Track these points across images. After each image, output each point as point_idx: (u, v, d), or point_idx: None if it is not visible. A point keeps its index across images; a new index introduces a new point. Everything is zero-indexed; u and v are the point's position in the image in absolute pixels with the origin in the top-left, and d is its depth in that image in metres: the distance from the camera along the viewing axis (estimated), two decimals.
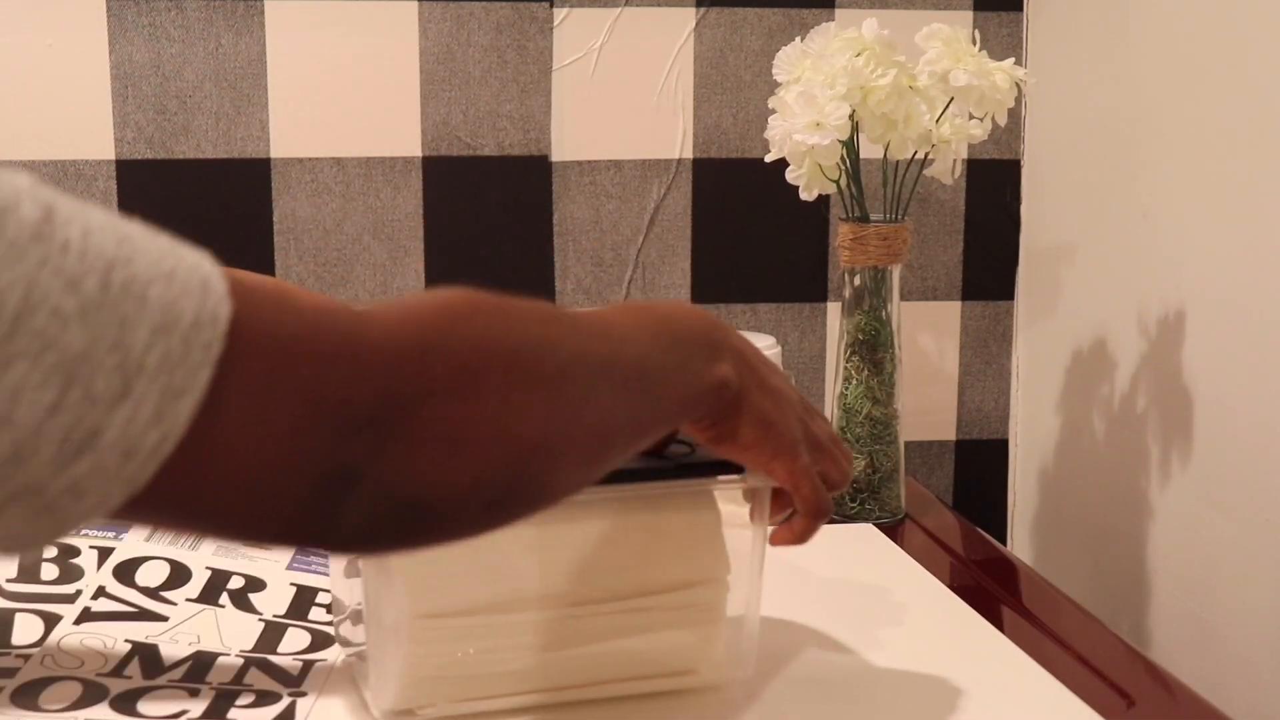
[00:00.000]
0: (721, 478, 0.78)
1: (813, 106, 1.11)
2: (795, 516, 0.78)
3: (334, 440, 0.50)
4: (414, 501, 0.54)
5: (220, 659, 0.85)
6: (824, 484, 0.76)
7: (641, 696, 0.82)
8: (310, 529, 0.53)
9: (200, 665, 0.84)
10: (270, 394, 0.49)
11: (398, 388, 0.52)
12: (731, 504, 0.81)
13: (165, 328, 0.46)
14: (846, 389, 1.21)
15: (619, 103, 1.39)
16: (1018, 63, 1.16)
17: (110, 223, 0.47)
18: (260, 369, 0.49)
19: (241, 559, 0.95)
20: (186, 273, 0.47)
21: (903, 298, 1.23)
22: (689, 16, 1.39)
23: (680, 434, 0.78)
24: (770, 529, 0.81)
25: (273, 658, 0.86)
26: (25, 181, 0.45)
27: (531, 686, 0.79)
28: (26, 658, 0.83)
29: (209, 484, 0.48)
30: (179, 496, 0.48)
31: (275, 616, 0.90)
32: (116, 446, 0.45)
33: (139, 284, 0.46)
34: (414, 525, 0.55)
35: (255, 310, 0.49)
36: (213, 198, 1.34)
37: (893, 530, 1.19)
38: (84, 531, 0.96)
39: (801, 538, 0.78)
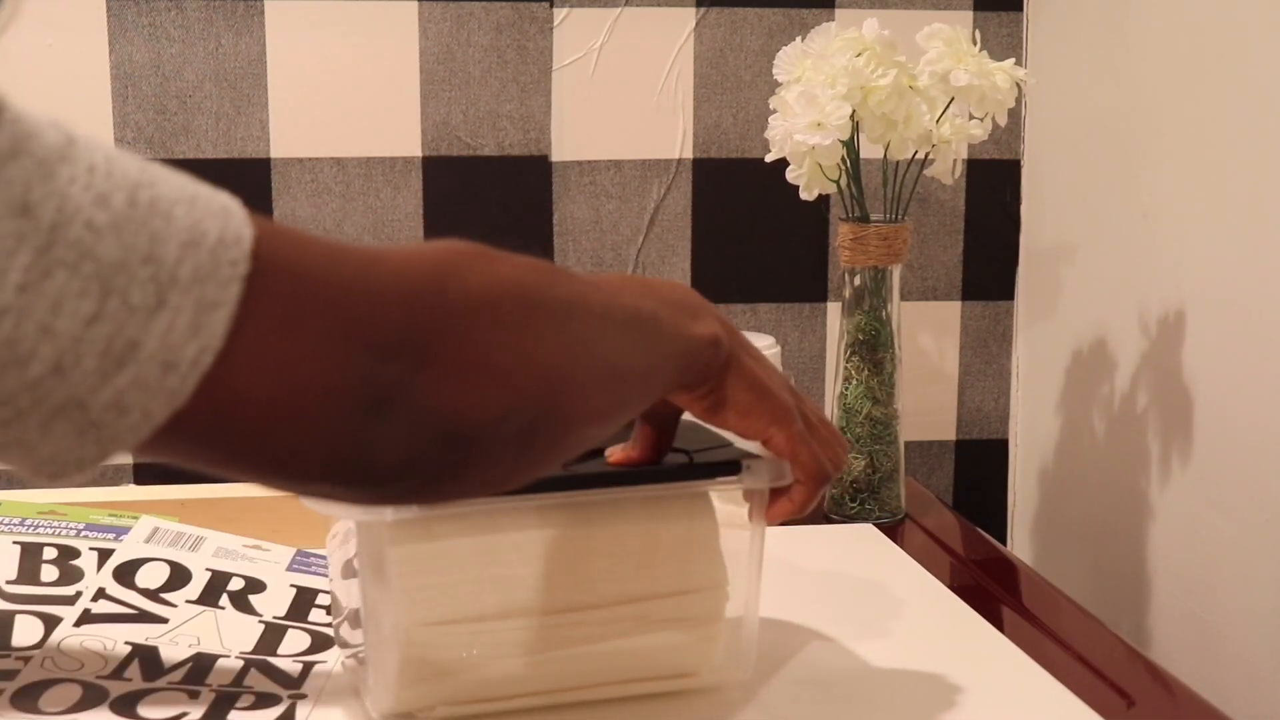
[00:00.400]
0: (719, 479, 0.78)
1: (813, 106, 1.11)
2: (793, 487, 0.77)
3: (366, 363, 0.51)
4: (449, 428, 0.54)
5: (220, 661, 0.85)
6: (824, 450, 0.76)
7: (640, 699, 0.82)
8: (351, 457, 0.53)
9: (200, 667, 0.84)
10: (299, 314, 0.50)
11: (421, 316, 0.53)
12: (730, 504, 0.81)
13: (194, 243, 0.47)
14: (846, 389, 1.21)
15: (619, 103, 1.39)
16: (1018, 63, 1.16)
17: (129, 154, 0.48)
18: (286, 290, 0.49)
19: (241, 561, 0.95)
20: (208, 198, 0.49)
21: (903, 298, 1.23)
22: (689, 16, 1.39)
23: (678, 432, 0.78)
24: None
25: (273, 659, 0.86)
26: (48, 117, 0.47)
27: (529, 690, 0.79)
28: (26, 660, 0.83)
29: (249, 402, 0.49)
30: (220, 415, 0.48)
31: (275, 618, 0.90)
32: (156, 358, 0.46)
33: (165, 202, 0.47)
34: (451, 455, 0.55)
35: (276, 237, 0.50)
36: None
37: (893, 530, 1.19)
38: (84, 533, 0.96)
39: (802, 507, 0.77)
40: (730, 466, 0.77)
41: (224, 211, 0.49)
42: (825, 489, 0.78)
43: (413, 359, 0.52)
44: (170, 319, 0.46)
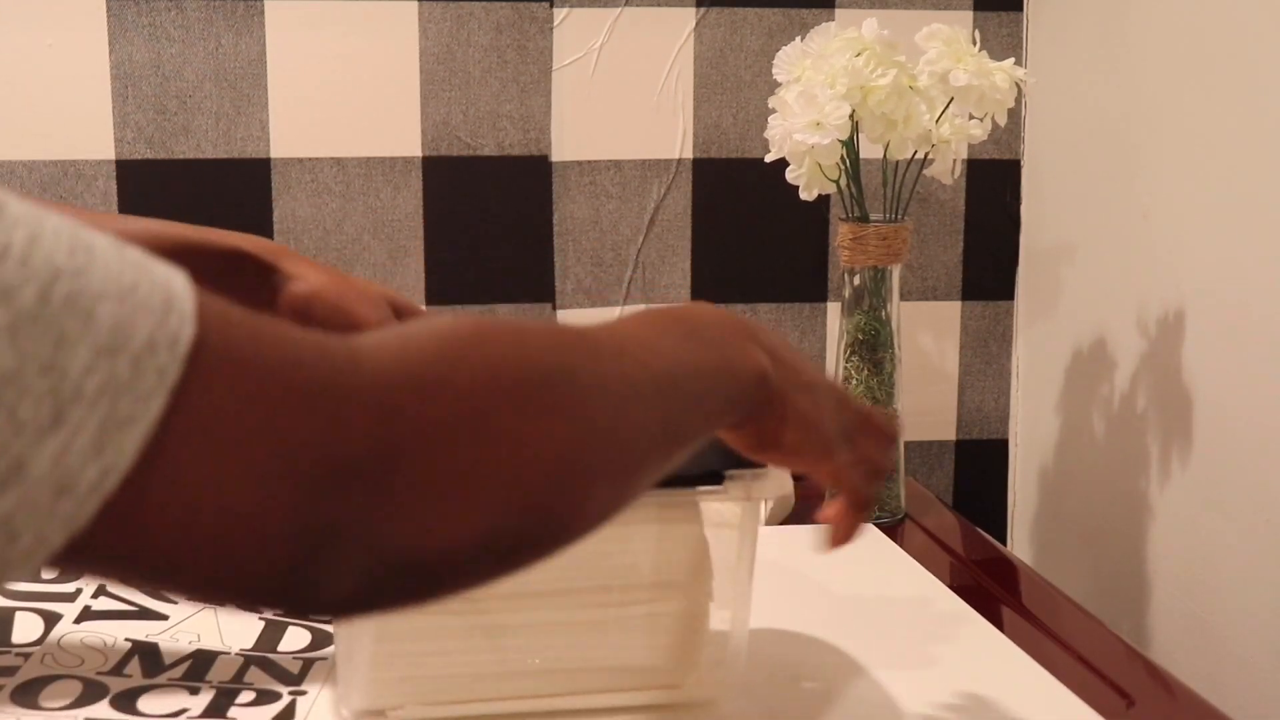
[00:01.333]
0: (701, 489, 0.76)
1: (813, 106, 1.11)
2: (837, 512, 0.73)
3: (311, 492, 0.44)
4: (411, 562, 0.47)
5: (220, 657, 0.85)
6: (869, 471, 0.72)
7: (623, 711, 0.81)
8: (287, 593, 0.46)
9: (200, 663, 0.84)
10: (236, 432, 0.43)
11: (391, 432, 0.46)
12: (720, 504, 0.80)
13: (112, 349, 0.41)
14: (846, 389, 1.21)
15: (619, 103, 1.39)
16: (1018, 63, 1.16)
17: (68, 231, 0.42)
18: (225, 402, 0.43)
19: None
20: (149, 289, 0.42)
21: (903, 298, 1.23)
22: (689, 16, 1.39)
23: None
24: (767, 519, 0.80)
25: (273, 656, 0.86)
26: None
27: (505, 692, 0.79)
28: (27, 656, 0.83)
29: (163, 532, 0.43)
30: (129, 544, 0.43)
31: (275, 614, 0.90)
32: (47, 480, 0.40)
33: (86, 298, 0.41)
34: (414, 586, 0.49)
35: (226, 335, 0.44)
36: (213, 198, 1.34)
37: (893, 530, 1.19)
38: None
39: (850, 534, 0.73)
40: (714, 476, 0.76)
41: (164, 306, 0.42)
42: (869, 512, 0.74)
43: (369, 485, 0.45)
44: (67, 438, 0.40)
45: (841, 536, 0.73)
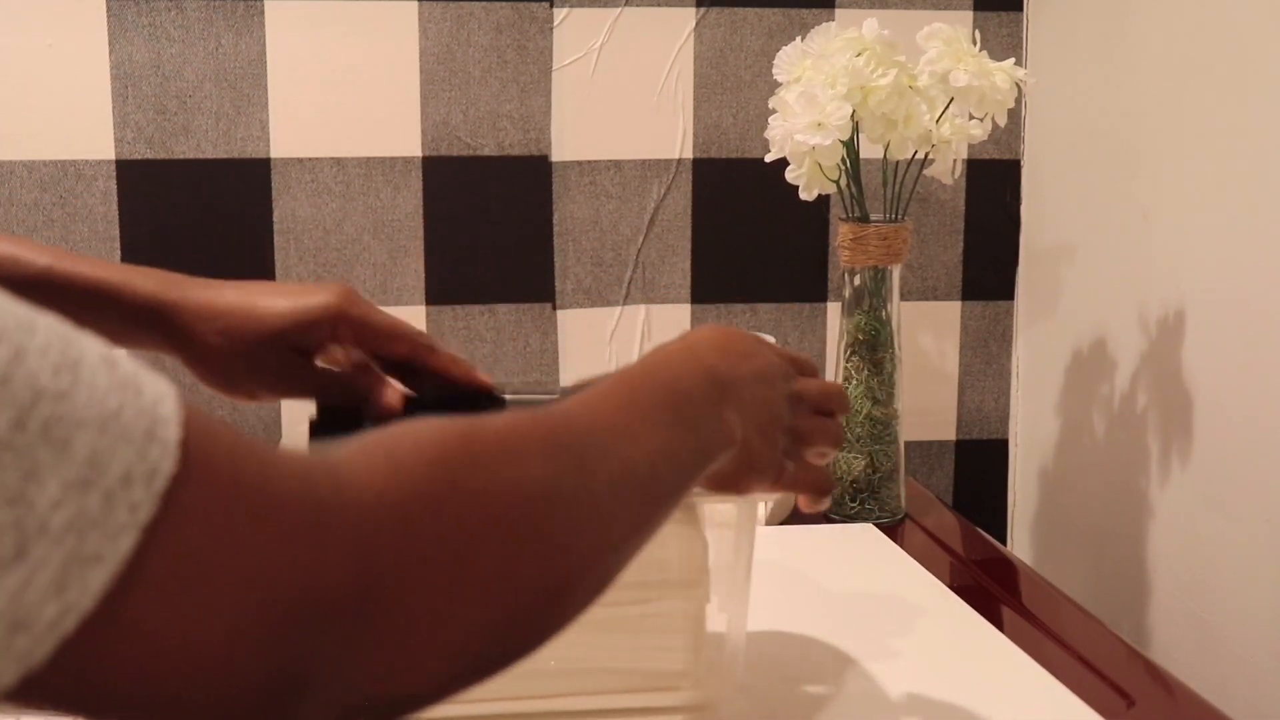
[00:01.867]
0: (698, 490, 0.76)
1: (813, 106, 1.11)
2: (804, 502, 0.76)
3: (283, 634, 0.42)
4: (388, 697, 0.46)
5: None
6: (827, 445, 0.73)
7: (621, 713, 0.80)
8: None
9: None
10: (208, 571, 0.41)
11: (371, 569, 0.44)
12: (717, 505, 0.80)
13: (84, 483, 0.39)
14: (846, 389, 1.21)
15: (619, 103, 1.39)
16: (1018, 63, 1.16)
17: (58, 345, 0.40)
18: (199, 541, 0.41)
19: None
20: (133, 415, 0.40)
21: (903, 298, 1.23)
22: (689, 16, 1.39)
23: None
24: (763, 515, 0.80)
25: None
26: None
27: (503, 694, 0.78)
28: None
29: (122, 676, 0.40)
30: (86, 685, 0.40)
31: None
32: (3, 617, 0.38)
33: (64, 426, 0.39)
34: (392, 714, 0.48)
35: (208, 467, 0.42)
36: (213, 198, 1.34)
37: (893, 530, 1.19)
38: None
39: (815, 508, 0.75)
40: None
41: (146, 436, 0.40)
42: (828, 492, 0.75)
43: (349, 621, 0.43)
44: (28, 574, 0.38)
45: (817, 502, 0.75)
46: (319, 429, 0.82)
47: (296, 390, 0.83)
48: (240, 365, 0.81)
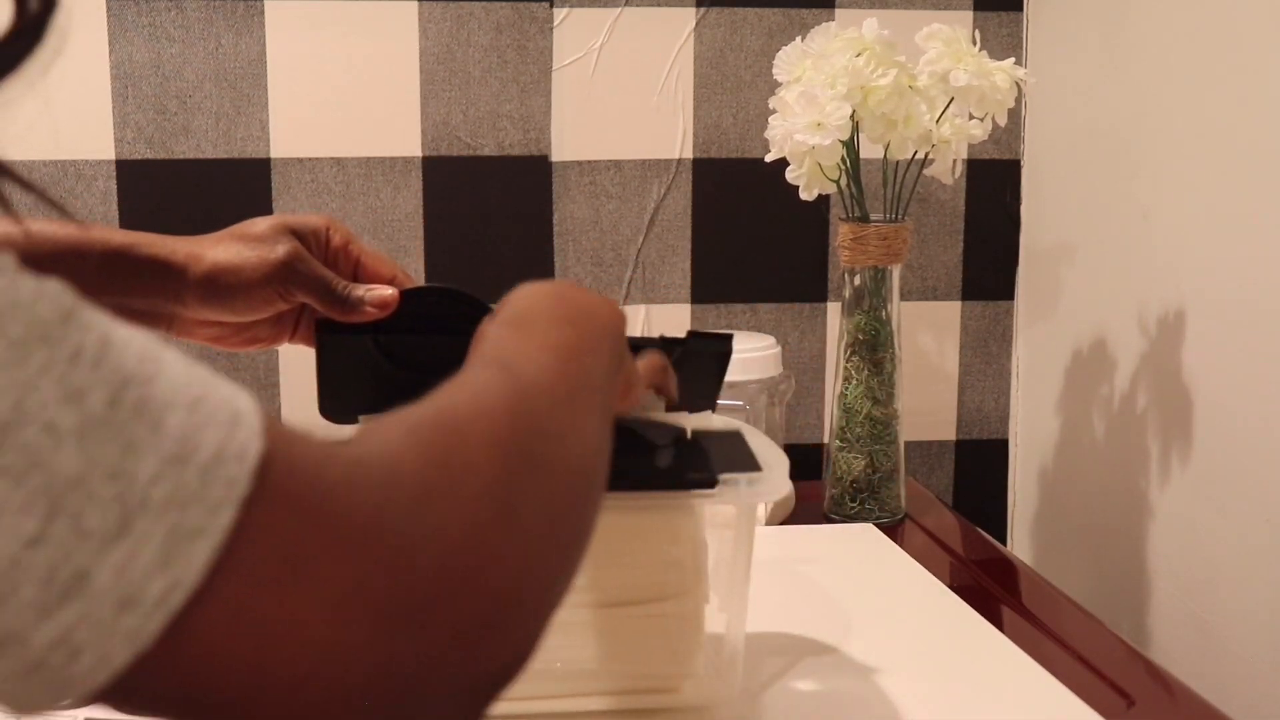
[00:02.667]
0: (698, 491, 0.76)
1: (813, 106, 1.11)
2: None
3: (394, 630, 0.43)
4: (495, 680, 0.48)
5: None
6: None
7: (620, 715, 0.80)
8: None
9: None
10: (308, 555, 0.41)
11: (464, 561, 0.45)
12: (716, 506, 0.80)
13: (180, 458, 0.40)
14: (846, 389, 1.21)
15: (619, 103, 1.39)
16: (1018, 63, 1.16)
17: (139, 340, 0.41)
18: (293, 521, 0.41)
19: None
20: (216, 403, 0.41)
21: (903, 298, 1.23)
22: (689, 16, 1.39)
23: (671, 424, 0.78)
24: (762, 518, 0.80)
25: None
26: (53, 285, 0.40)
27: (504, 695, 0.78)
28: None
29: (234, 661, 0.40)
30: (199, 666, 0.40)
31: None
32: (110, 593, 0.38)
33: (154, 406, 0.40)
34: (501, 692, 0.49)
35: (292, 453, 0.42)
36: (213, 198, 1.34)
37: (893, 530, 1.19)
38: None
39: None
40: (710, 480, 0.75)
41: (232, 420, 0.41)
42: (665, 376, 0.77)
43: (451, 619, 0.44)
44: (132, 549, 0.38)
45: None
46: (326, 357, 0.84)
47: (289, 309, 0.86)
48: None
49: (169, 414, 0.40)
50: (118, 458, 0.39)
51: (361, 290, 0.84)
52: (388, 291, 0.84)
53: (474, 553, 0.46)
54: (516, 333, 0.59)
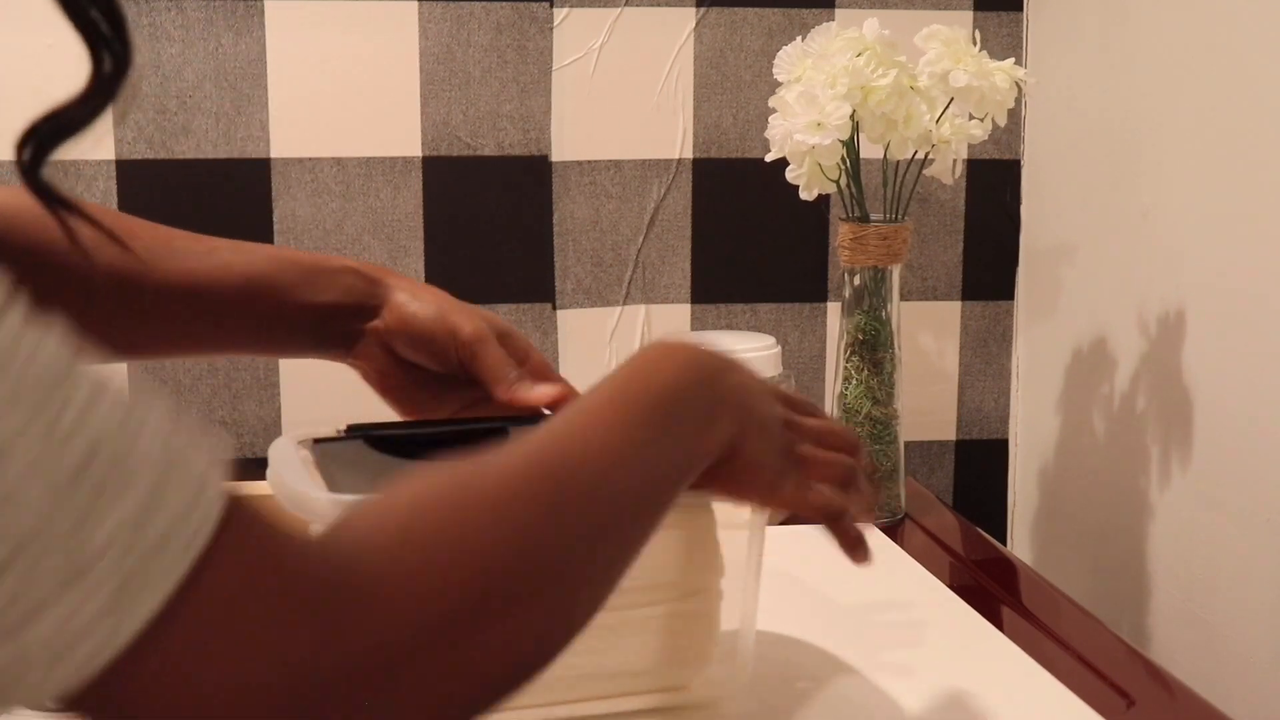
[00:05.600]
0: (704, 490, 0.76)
1: (814, 106, 1.11)
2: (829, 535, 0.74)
3: (319, 697, 0.45)
4: None
5: None
6: (837, 481, 0.72)
7: (631, 715, 0.80)
8: None
9: None
10: (249, 619, 0.44)
11: (390, 639, 0.46)
12: (729, 504, 0.80)
13: (147, 509, 0.42)
14: (846, 389, 1.21)
15: (619, 103, 1.39)
16: (1018, 63, 1.16)
17: (125, 405, 0.43)
18: (242, 582, 0.44)
19: None
20: (185, 472, 0.43)
21: (903, 298, 1.23)
22: (689, 16, 1.39)
23: None
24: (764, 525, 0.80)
25: None
26: (54, 338, 0.42)
27: (510, 701, 0.78)
28: None
29: (158, 712, 0.43)
30: (122, 713, 0.43)
31: None
32: (59, 634, 0.41)
33: (130, 461, 0.42)
34: None
35: (253, 525, 0.45)
36: (213, 198, 1.34)
37: (893, 530, 1.19)
38: None
39: (856, 543, 0.73)
40: None
41: (199, 485, 0.43)
42: (842, 518, 0.72)
43: (379, 690, 0.46)
44: (78, 601, 0.41)
45: (851, 548, 0.73)
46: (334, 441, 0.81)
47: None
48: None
49: (141, 470, 0.42)
50: (81, 513, 0.41)
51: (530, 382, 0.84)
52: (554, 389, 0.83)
53: (421, 640, 0.47)
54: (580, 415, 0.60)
